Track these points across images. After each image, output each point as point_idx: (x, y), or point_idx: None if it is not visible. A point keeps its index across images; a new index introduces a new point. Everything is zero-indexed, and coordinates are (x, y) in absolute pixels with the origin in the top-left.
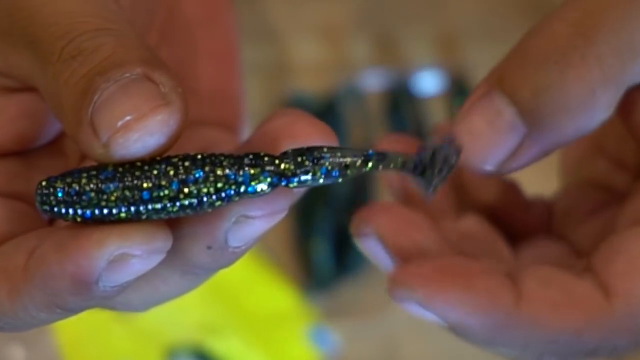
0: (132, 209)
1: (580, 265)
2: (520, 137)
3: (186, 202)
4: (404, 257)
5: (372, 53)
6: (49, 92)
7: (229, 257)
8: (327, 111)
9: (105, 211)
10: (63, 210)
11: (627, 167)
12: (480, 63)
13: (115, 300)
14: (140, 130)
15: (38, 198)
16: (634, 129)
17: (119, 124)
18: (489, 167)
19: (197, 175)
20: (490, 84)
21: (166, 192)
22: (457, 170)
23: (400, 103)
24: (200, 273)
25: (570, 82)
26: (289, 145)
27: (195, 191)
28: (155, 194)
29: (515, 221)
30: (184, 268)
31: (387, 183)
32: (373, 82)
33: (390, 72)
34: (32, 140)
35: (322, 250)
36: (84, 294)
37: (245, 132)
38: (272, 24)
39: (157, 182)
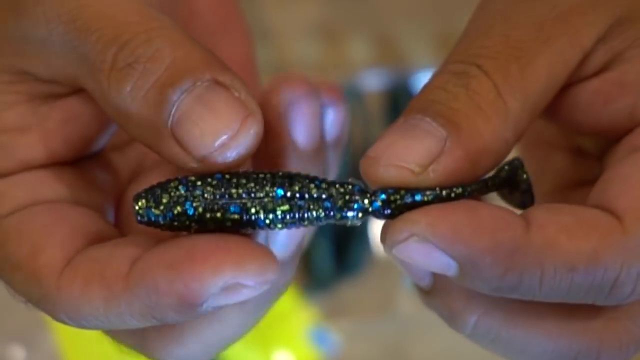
0: (241, 208)
1: None
2: (440, 140)
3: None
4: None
5: (372, 53)
6: (107, 101)
7: None
8: None
9: (219, 214)
10: (172, 213)
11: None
12: None
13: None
14: (237, 147)
15: (139, 205)
16: (573, 125)
17: (217, 144)
18: (414, 167)
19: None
20: (405, 115)
21: (276, 193)
22: None
23: (400, 103)
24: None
25: (474, 87)
26: None
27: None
28: (271, 203)
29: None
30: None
31: None
32: (373, 82)
33: (390, 72)
34: (81, 144)
35: (322, 250)
36: (187, 313)
37: None
38: (272, 24)
39: (271, 188)
